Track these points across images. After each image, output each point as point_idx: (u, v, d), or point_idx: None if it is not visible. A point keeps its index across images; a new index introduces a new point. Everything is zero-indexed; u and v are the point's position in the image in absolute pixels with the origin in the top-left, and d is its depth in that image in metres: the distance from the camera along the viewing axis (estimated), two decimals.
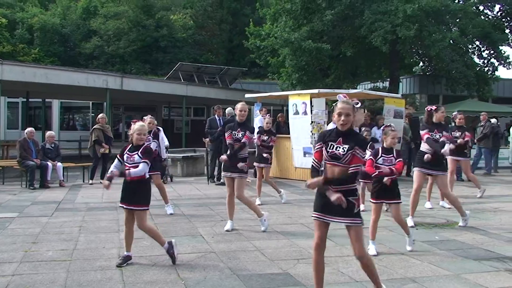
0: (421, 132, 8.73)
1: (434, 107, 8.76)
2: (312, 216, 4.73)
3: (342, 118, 4.54)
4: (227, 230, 7.95)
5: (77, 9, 43.71)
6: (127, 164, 6.11)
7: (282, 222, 8.73)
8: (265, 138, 10.96)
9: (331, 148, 4.57)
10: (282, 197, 10.95)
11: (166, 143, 10.53)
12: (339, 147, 4.54)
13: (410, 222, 8.42)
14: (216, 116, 14.72)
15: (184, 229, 8.09)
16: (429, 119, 8.71)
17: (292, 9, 23.32)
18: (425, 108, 8.95)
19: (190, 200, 11.32)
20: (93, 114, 32.11)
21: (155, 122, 9.92)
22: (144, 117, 9.35)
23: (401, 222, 6.81)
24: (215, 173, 14.50)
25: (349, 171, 4.52)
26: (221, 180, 13.82)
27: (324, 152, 4.62)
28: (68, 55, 40.54)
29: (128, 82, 20.80)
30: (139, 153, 6.11)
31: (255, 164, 11.03)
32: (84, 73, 20.09)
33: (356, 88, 23.76)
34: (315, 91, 14.91)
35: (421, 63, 26.52)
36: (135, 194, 6.09)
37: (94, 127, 14.60)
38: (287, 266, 6.04)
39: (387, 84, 26.26)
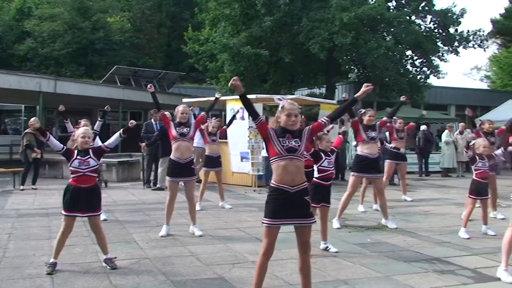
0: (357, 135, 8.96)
1: (363, 110, 9.03)
2: (264, 223, 4.69)
3: (292, 118, 4.68)
4: (162, 236, 7.87)
5: (10, 10, 42.29)
6: (80, 170, 5.97)
7: (218, 227, 8.71)
8: (214, 138, 10.87)
9: (285, 142, 4.65)
10: (226, 203, 10.92)
11: None
12: (291, 141, 4.66)
13: (336, 224, 8.65)
14: (152, 120, 14.56)
15: (117, 236, 7.93)
16: (361, 122, 8.93)
17: (231, 15, 23.38)
18: (357, 112, 9.20)
19: (125, 205, 11.12)
20: (25, 118, 31.08)
21: (90, 126, 9.70)
22: (79, 121, 9.16)
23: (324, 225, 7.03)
24: (151, 178, 14.32)
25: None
26: (158, 185, 13.69)
27: (278, 147, 4.65)
28: (0, 57, 39.16)
29: (62, 85, 20.28)
30: (92, 156, 6.06)
31: (204, 168, 10.95)
32: (17, 76, 19.47)
33: (293, 94, 24.01)
34: (253, 96, 14.94)
35: (356, 70, 27.08)
36: (91, 200, 6.01)
37: (25, 131, 14.13)
38: (222, 270, 6.03)
39: (323, 90, 26.67)
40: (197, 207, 10.23)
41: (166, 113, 8.31)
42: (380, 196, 9.03)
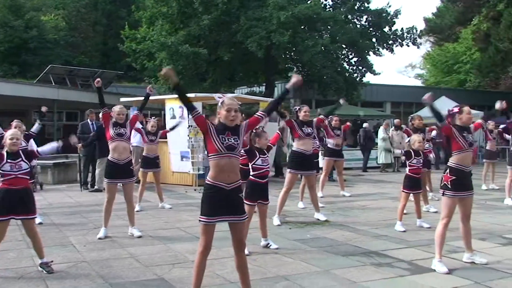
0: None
1: (298, 107, 9.20)
2: (201, 221, 4.69)
3: (232, 113, 4.70)
4: (100, 238, 7.72)
5: None
6: (12, 173, 5.78)
7: (158, 227, 8.62)
8: (153, 138, 10.71)
9: (224, 140, 4.66)
10: (166, 204, 10.81)
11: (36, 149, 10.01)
12: (231, 138, 4.68)
13: (276, 221, 8.73)
14: (88, 120, 14.26)
15: (54, 239, 7.73)
16: (297, 119, 9.06)
17: (168, 13, 23.17)
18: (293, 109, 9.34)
19: (61, 208, 10.85)
20: None
21: (24, 127, 9.39)
22: (11, 123, 8.86)
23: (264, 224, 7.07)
24: (89, 179, 14.03)
25: None
26: (96, 187, 13.42)
27: (218, 145, 4.65)
28: None
29: None
30: (23, 159, 5.89)
31: (141, 169, 10.79)
32: None
33: (233, 92, 24.03)
34: (192, 95, 14.84)
35: (295, 69, 27.36)
36: (24, 203, 5.84)
37: None
38: (162, 271, 5.98)
39: (263, 88, 26.82)
40: (136, 208, 10.11)
41: (111, 110, 8.09)
42: (312, 192, 9.15)
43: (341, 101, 10.43)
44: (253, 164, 6.82)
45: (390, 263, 6.33)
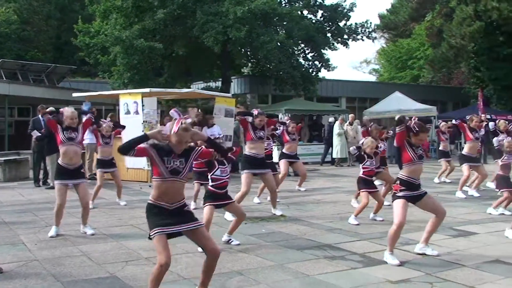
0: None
1: (256, 113, 9.16)
2: (152, 234, 4.51)
3: (182, 146, 4.60)
4: (51, 236, 7.56)
5: None
6: None
7: (111, 225, 8.51)
8: (108, 141, 10.53)
9: (169, 163, 4.53)
10: (121, 201, 10.63)
11: None
12: (176, 161, 4.55)
13: (229, 216, 8.70)
14: (40, 116, 13.93)
15: (4, 238, 7.53)
16: (252, 122, 9.07)
17: (123, 7, 22.81)
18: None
19: (13, 206, 10.58)
20: None
21: None
22: None
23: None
24: (41, 176, 13.74)
25: None
26: (51, 184, 13.12)
27: (161, 168, 4.52)
28: None
29: None
30: None
31: (98, 170, 10.61)
32: None
33: (189, 88, 23.89)
34: (147, 90, 14.76)
35: (250, 64, 27.40)
36: None
37: None
38: (115, 269, 5.89)
39: (219, 84, 26.77)
40: (90, 205, 9.98)
41: (53, 117, 7.90)
42: (272, 193, 9.23)
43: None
44: (212, 175, 6.71)
45: (343, 256, 6.41)
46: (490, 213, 9.17)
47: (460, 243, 7.07)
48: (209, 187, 6.83)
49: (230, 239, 7.08)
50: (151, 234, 4.51)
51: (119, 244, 7.08)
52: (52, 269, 5.90)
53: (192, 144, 4.92)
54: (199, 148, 4.86)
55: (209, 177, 6.78)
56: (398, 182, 6.24)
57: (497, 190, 9.34)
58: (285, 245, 6.98)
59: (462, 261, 6.13)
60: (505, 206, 9.20)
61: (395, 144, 6.40)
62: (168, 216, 4.52)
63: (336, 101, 29.69)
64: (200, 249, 6.47)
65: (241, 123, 8.98)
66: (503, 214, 9.11)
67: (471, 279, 5.45)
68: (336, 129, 19.87)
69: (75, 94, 16.82)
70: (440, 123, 14.61)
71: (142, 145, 4.52)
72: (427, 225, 6.47)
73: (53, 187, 12.64)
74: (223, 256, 6.30)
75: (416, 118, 6.23)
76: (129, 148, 4.49)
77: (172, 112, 4.70)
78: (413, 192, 6.19)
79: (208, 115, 15.84)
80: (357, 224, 8.27)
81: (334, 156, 20.02)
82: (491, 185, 12.07)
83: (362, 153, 8.49)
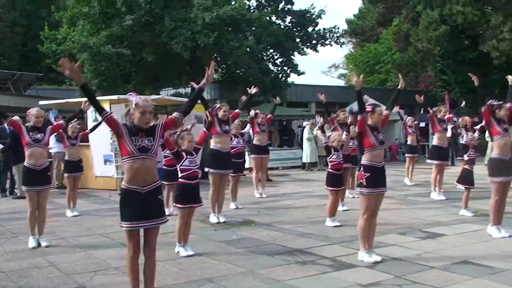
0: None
1: (218, 105, 9.38)
2: (124, 227, 4.66)
3: (147, 116, 4.66)
4: (33, 247, 7.39)
5: None
6: None
7: (80, 234, 8.37)
8: (74, 142, 10.36)
9: (137, 141, 4.60)
10: (73, 211, 10.35)
11: None
12: (144, 140, 4.62)
13: (214, 219, 8.92)
14: (6, 125, 13.64)
15: None
16: (217, 116, 9.17)
17: (90, 13, 22.57)
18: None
19: None
20: None
21: None
22: None
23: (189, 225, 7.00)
24: (7, 186, 13.46)
25: None
26: (18, 194, 12.85)
27: (130, 147, 4.58)
28: None
29: None
30: None
31: (66, 174, 10.44)
32: None
33: (158, 94, 23.71)
34: (115, 97, 14.58)
35: (220, 70, 27.36)
36: None
37: None
38: (84, 279, 5.80)
39: (189, 90, 26.64)
40: (71, 214, 10.07)
41: (15, 118, 7.77)
42: (222, 189, 9.27)
43: (277, 100, 10.59)
44: (181, 165, 6.77)
45: (314, 260, 6.42)
46: (463, 215, 9.26)
47: (428, 245, 7.15)
48: (180, 179, 6.83)
49: (179, 251, 6.88)
50: (122, 226, 4.67)
51: (87, 254, 6.97)
52: (19, 281, 5.79)
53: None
54: (162, 121, 4.91)
55: (178, 169, 6.83)
56: (361, 169, 6.31)
57: (458, 184, 9.52)
58: (255, 251, 6.95)
59: (431, 262, 6.19)
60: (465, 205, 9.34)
61: (356, 129, 6.47)
62: (141, 206, 4.60)
63: (305, 106, 29.81)
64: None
65: (209, 114, 9.02)
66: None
67: (439, 281, 5.51)
68: (306, 134, 19.93)
69: (42, 102, 16.51)
70: (407, 118, 14.85)
71: (115, 118, 4.66)
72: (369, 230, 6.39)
73: (20, 197, 12.48)
74: (192, 264, 6.30)
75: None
76: (95, 101, 4.64)
77: (128, 96, 4.80)
78: (378, 190, 6.25)
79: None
80: (337, 226, 8.31)
81: (304, 160, 20.07)
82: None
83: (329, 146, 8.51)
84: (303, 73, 27.10)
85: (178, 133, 7.06)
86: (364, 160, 6.27)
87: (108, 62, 21.88)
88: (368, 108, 6.30)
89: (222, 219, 9.02)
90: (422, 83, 36.07)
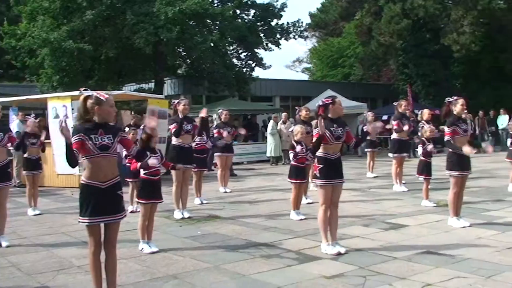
0: (171, 127, 9.12)
1: (177, 101, 9.30)
2: (83, 222, 4.65)
3: (114, 109, 4.73)
4: (7, 246, 7.23)
5: None
6: None
7: (42, 233, 8.21)
8: (34, 141, 10.14)
9: (97, 140, 4.56)
10: (34, 210, 10.17)
11: None
12: (104, 138, 4.59)
13: (178, 215, 8.89)
14: None
15: None
16: (175, 113, 9.20)
17: (50, 8, 22.11)
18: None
19: None
20: None
21: None
22: None
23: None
24: None
25: None
26: None
27: (91, 146, 4.54)
28: None
29: None
30: None
31: (24, 172, 10.23)
32: None
33: (121, 90, 23.46)
34: (76, 93, 14.34)
35: (184, 65, 27.21)
36: None
37: None
38: (46, 279, 5.70)
39: (152, 85, 26.44)
40: (31, 213, 9.89)
41: None
42: (185, 187, 9.17)
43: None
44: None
45: (279, 254, 6.44)
46: (425, 206, 9.42)
47: (391, 236, 7.24)
48: (142, 175, 6.82)
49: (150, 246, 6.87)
50: (81, 221, 4.65)
51: (50, 253, 6.86)
52: None
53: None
54: (125, 134, 4.91)
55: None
56: (316, 160, 6.40)
57: (417, 175, 9.72)
58: (220, 246, 6.94)
59: (394, 253, 6.28)
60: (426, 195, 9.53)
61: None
62: (100, 201, 4.59)
63: (270, 100, 29.88)
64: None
65: (174, 106, 9.14)
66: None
67: (403, 271, 5.59)
68: (270, 128, 19.98)
69: (1, 99, 16.16)
70: (366, 113, 14.99)
71: (73, 141, 4.56)
72: (328, 222, 6.44)
73: None
74: (157, 260, 6.26)
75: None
76: (72, 159, 4.57)
77: (86, 92, 4.74)
78: (333, 181, 6.32)
79: (141, 117, 15.63)
80: (302, 219, 8.35)
81: (268, 155, 20.12)
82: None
83: (293, 141, 8.54)
84: (269, 67, 27.18)
85: (141, 128, 7.01)
86: (319, 152, 6.36)
87: (69, 58, 21.48)
88: (328, 101, 6.37)
89: (186, 215, 8.97)
90: (385, 76, 36.54)
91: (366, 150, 15.08)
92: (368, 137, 15.11)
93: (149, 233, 6.82)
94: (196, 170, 10.35)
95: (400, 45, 29.56)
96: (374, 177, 14.16)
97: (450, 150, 7.65)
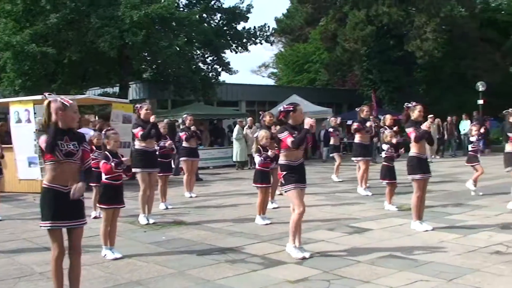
0: (135, 131, 9.13)
1: (139, 105, 9.32)
2: (44, 227, 4.62)
3: (78, 115, 4.73)
4: None
5: None
6: None
7: (2, 240, 8.04)
8: None
9: (63, 146, 4.54)
10: None
11: None
12: (69, 144, 4.58)
13: (143, 220, 8.84)
14: None
15: None
16: (139, 118, 9.19)
17: (13, 11, 21.70)
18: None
19: None
20: None
21: None
22: None
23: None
24: None
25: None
26: None
27: (56, 152, 4.52)
28: None
29: None
30: None
31: None
32: None
33: (84, 94, 23.15)
34: (39, 97, 14.09)
35: (150, 69, 27.01)
36: None
37: None
38: (7, 286, 5.61)
39: (117, 89, 26.17)
40: None
41: None
42: (151, 191, 9.18)
43: None
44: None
45: (244, 258, 6.44)
46: (388, 210, 9.55)
47: (355, 240, 7.32)
48: (104, 179, 6.77)
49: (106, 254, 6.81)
50: (42, 225, 4.62)
51: (11, 260, 6.72)
52: None
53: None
54: (87, 146, 4.88)
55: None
56: (279, 168, 6.49)
57: (381, 180, 9.88)
58: (185, 251, 6.90)
59: (358, 257, 6.34)
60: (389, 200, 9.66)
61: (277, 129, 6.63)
62: (62, 205, 4.56)
63: (236, 105, 29.89)
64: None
65: (137, 111, 9.17)
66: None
67: (366, 275, 5.64)
68: (235, 132, 19.97)
69: None
70: (329, 119, 15.13)
71: (43, 147, 4.57)
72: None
73: None
74: (120, 267, 6.19)
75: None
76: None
77: (50, 97, 4.72)
78: (298, 185, 6.37)
79: (106, 122, 15.47)
80: (267, 224, 8.37)
81: (234, 159, 20.11)
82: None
83: (258, 145, 8.56)
84: (235, 72, 27.14)
85: (104, 132, 6.99)
86: (281, 159, 6.47)
87: (32, 62, 21.10)
88: (290, 108, 6.47)
89: (151, 220, 8.90)
90: (350, 82, 36.90)
91: (331, 154, 15.21)
92: (331, 142, 15.38)
93: (111, 239, 6.73)
94: (161, 174, 10.28)
95: (365, 51, 29.93)
96: (339, 181, 14.26)
97: (409, 155, 7.88)
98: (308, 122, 6.19)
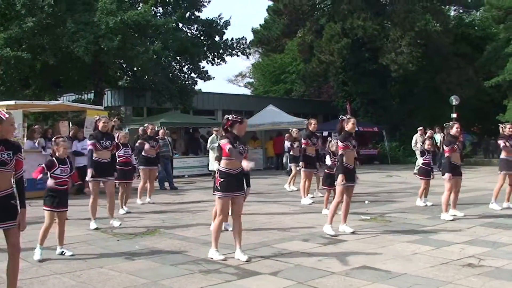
0: (88, 142, 9.36)
1: (98, 117, 9.54)
2: None
3: (16, 127, 5.09)
4: None
5: None
6: None
7: None
8: None
9: None
10: None
11: None
12: (4, 154, 4.77)
13: (93, 225, 8.94)
14: None
15: None
16: (97, 129, 9.33)
17: None
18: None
19: None
20: None
21: None
22: None
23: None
24: None
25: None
26: None
27: None
28: None
29: None
30: None
31: None
32: None
33: (58, 99, 22.88)
34: (12, 102, 13.91)
35: (126, 76, 26.82)
36: None
37: None
38: None
39: (92, 96, 25.92)
40: None
41: None
42: (110, 198, 9.28)
43: None
44: (52, 173, 6.92)
45: (217, 269, 6.38)
46: (325, 214, 9.59)
47: (329, 251, 7.31)
48: (48, 184, 6.87)
49: (63, 251, 7.03)
50: None
51: None
52: None
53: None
54: (21, 157, 5.00)
55: (48, 175, 6.91)
56: (217, 173, 6.75)
57: (322, 187, 10.71)
58: (159, 261, 6.82)
59: (332, 268, 6.33)
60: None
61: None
62: None
63: (212, 114, 29.83)
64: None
65: (95, 123, 9.36)
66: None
67: (340, 286, 5.64)
68: (209, 142, 19.87)
69: None
70: (291, 130, 15.32)
71: None
72: (234, 232, 6.95)
73: None
74: (92, 276, 6.08)
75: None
76: None
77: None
78: (233, 193, 6.70)
79: (80, 128, 15.35)
80: (226, 230, 8.28)
81: (210, 168, 19.99)
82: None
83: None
84: (210, 78, 26.95)
85: (53, 139, 7.16)
86: (221, 166, 6.73)
87: (6, 66, 20.79)
88: (238, 118, 6.76)
89: (116, 224, 9.17)
90: (325, 93, 37.10)
91: (289, 164, 15.47)
92: (291, 153, 15.45)
93: (60, 240, 7.03)
94: (120, 182, 10.72)
95: (340, 63, 30.16)
96: (294, 190, 14.59)
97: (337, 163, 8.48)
98: (246, 166, 6.56)
